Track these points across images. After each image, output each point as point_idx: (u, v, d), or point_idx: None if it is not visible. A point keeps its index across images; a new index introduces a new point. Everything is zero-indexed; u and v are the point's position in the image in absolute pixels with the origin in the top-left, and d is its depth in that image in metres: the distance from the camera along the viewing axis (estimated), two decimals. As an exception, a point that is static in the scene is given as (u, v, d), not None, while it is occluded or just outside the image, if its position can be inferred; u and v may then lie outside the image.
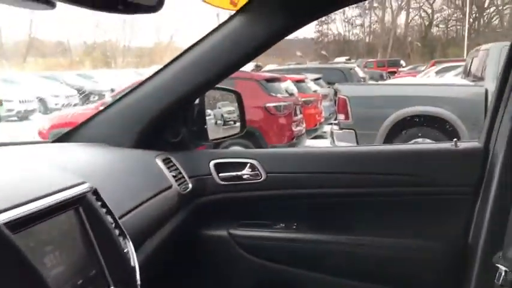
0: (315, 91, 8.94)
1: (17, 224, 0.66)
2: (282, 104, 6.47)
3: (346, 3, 1.43)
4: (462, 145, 1.42)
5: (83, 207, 0.80)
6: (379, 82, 12.76)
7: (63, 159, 1.12)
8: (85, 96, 15.88)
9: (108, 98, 7.63)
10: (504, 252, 1.25)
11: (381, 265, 1.40)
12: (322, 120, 8.59)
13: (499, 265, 1.23)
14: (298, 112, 6.91)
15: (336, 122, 6.60)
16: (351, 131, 6.10)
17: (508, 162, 1.30)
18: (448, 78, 10.82)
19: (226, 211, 1.51)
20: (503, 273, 1.22)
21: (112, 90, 14.87)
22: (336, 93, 6.85)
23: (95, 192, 0.85)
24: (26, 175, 0.84)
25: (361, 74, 13.79)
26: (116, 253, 0.82)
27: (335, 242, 1.44)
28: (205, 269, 1.48)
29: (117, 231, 0.85)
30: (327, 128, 8.11)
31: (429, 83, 7.74)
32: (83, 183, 0.84)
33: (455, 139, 1.42)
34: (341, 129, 6.29)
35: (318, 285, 1.43)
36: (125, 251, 0.83)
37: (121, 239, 0.85)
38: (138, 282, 0.84)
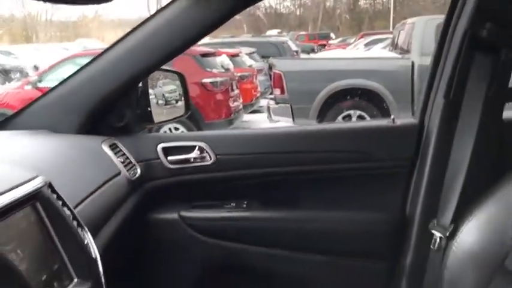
0: (250, 65, 8.95)
1: None
2: (218, 79, 6.43)
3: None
4: (399, 122, 1.51)
5: (40, 202, 0.78)
6: (312, 56, 13.00)
7: (7, 150, 1.07)
8: (5, 74, 14.84)
9: (34, 77, 7.18)
10: (438, 220, 1.37)
11: (327, 238, 1.48)
12: (258, 95, 8.66)
13: (434, 231, 1.35)
14: (234, 87, 6.91)
15: (272, 96, 6.70)
16: (287, 105, 6.23)
17: (441, 138, 1.40)
18: (377, 51, 11.25)
19: (177, 194, 1.52)
20: (438, 239, 1.34)
21: (36, 68, 13.99)
22: (270, 68, 6.92)
23: (50, 185, 0.83)
24: None
25: (294, 47, 13.95)
26: (77, 245, 0.81)
27: (283, 219, 1.49)
28: (159, 253, 1.49)
29: (75, 223, 0.84)
30: (263, 103, 8.19)
31: (359, 56, 7.99)
32: (36, 177, 0.81)
33: (392, 116, 1.50)
34: (277, 103, 6.40)
35: (269, 259, 1.48)
36: (85, 242, 0.83)
37: (79, 230, 0.84)
38: (101, 273, 0.84)
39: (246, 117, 7.70)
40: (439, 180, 1.39)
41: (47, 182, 0.82)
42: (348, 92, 6.20)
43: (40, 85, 6.45)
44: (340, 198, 1.51)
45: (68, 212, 0.84)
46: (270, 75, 7.18)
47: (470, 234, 1.21)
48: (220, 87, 6.42)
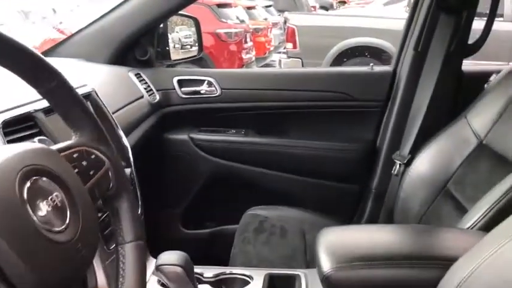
0: (265, 19, 9.05)
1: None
2: (232, 30, 6.61)
3: None
4: (376, 69, 1.78)
5: (91, 102, 1.08)
6: (328, 12, 12.94)
7: None
8: (25, 16, 14.98)
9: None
10: (400, 151, 1.67)
11: (310, 162, 1.79)
12: (272, 48, 8.78)
13: (395, 160, 1.65)
14: (248, 40, 7.08)
15: (285, 50, 6.87)
16: (298, 59, 6.39)
17: (409, 83, 1.68)
18: (394, 10, 11.19)
19: (187, 120, 1.83)
20: (397, 166, 1.64)
21: (54, 11, 14.09)
22: (285, 22, 7.05)
23: (95, 92, 1.13)
24: None
25: (312, 2, 13.86)
26: (117, 137, 1.12)
27: (274, 144, 1.80)
28: (169, 167, 1.81)
29: (114, 122, 1.15)
30: (276, 57, 8.34)
31: (372, 15, 8.04)
32: (85, 84, 1.12)
33: (371, 64, 1.78)
34: (289, 57, 6.57)
35: (260, 177, 1.80)
36: (121, 135, 1.14)
37: (116, 128, 1.16)
38: (131, 158, 1.15)
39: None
40: (403, 119, 1.68)
41: (94, 89, 1.12)
42: (359, 49, 6.32)
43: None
44: (322, 130, 1.81)
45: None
46: (285, 30, 7.31)
47: (423, 162, 1.52)
48: (234, 38, 6.60)
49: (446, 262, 0.75)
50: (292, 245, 1.44)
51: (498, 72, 1.51)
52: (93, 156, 0.67)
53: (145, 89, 1.64)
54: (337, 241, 0.99)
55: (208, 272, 1.13)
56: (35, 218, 0.50)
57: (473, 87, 1.55)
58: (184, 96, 1.78)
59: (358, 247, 0.96)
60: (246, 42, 6.94)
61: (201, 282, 1.12)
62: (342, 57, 6.29)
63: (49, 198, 0.53)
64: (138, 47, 1.72)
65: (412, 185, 1.54)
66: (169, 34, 1.93)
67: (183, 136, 1.79)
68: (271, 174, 1.80)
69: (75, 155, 0.64)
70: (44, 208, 0.52)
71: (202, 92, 1.79)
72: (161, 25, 1.79)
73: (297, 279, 1.09)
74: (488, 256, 0.66)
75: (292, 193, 1.80)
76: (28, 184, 0.51)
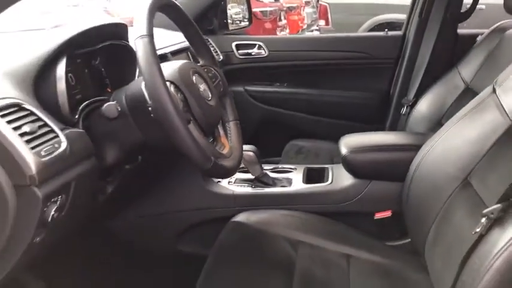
0: (298, -2, 9.40)
1: None
2: (268, 9, 7.06)
3: None
4: (390, 33, 2.28)
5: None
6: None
7: None
8: None
9: None
10: (407, 96, 2.17)
11: (338, 107, 2.31)
12: (305, 26, 9.13)
13: (403, 103, 2.15)
14: (282, 18, 7.51)
15: (317, 28, 7.27)
16: (331, 36, 6.77)
17: (414, 44, 2.17)
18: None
19: (243, 75, 2.37)
20: (405, 108, 2.14)
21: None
22: (318, 0, 7.44)
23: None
24: None
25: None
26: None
27: (311, 94, 2.34)
28: None
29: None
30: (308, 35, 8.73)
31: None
32: (184, 41, 1.67)
33: (386, 29, 2.28)
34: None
35: (297, 119, 2.34)
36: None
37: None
38: None
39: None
40: (410, 72, 2.18)
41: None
42: (390, 25, 6.65)
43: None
44: (348, 83, 2.33)
45: None
46: (317, 7, 7.68)
47: (424, 103, 2.02)
48: (269, 16, 7.04)
49: (418, 147, 1.27)
50: (323, 161, 1.97)
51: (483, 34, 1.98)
52: (213, 72, 1.22)
53: (213, 49, 2.19)
54: (352, 138, 1.52)
55: (267, 166, 1.65)
56: (200, 88, 1.06)
57: (465, 46, 2.02)
58: (240, 57, 2.32)
59: (366, 140, 1.49)
60: (280, 20, 7.35)
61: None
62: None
63: (204, 84, 1.09)
64: (205, 19, 2.26)
65: (415, 121, 2.04)
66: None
67: (240, 88, 2.34)
68: (307, 118, 2.34)
69: (205, 69, 1.19)
70: (202, 87, 1.07)
71: (253, 54, 2.33)
72: (222, 2, 2.33)
73: (325, 170, 1.61)
74: (437, 140, 1.19)
75: (323, 132, 2.32)
76: (195, 75, 1.07)
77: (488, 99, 1.17)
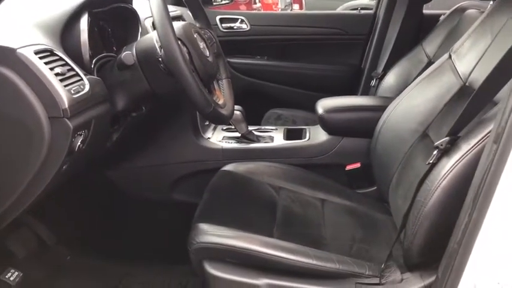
0: (273, -19, 9.53)
1: None
2: (243, -8, 7.19)
3: None
4: (362, 12, 2.48)
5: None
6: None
7: None
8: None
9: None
10: (376, 70, 2.37)
11: (315, 79, 2.50)
12: (279, 10, 9.32)
13: (373, 76, 2.35)
14: (257, 1, 7.64)
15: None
16: (304, 19, 6.97)
17: (384, 22, 2.37)
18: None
19: (226, 47, 2.51)
20: (374, 80, 2.34)
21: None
22: (292, -16, 7.61)
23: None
24: None
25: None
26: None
27: (288, 67, 2.52)
28: None
29: None
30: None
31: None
32: (177, 10, 1.81)
33: (359, 8, 2.47)
34: (295, 17, 7.15)
35: (277, 90, 2.52)
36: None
37: None
38: None
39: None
40: (380, 47, 2.38)
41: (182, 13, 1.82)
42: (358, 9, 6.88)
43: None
44: (323, 56, 2.52)
45: None
46: (292, -8, 7.85)
47: (391, 76, 2.22)
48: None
49: (385, 107, 1.46)
50: (299, 125, 2.16)
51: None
52: (208, 34, 1.38)
53: (197, 24, 2.33)
54: (328, 100, 1.71)
55: (251, 126, 1.82)
56: (200, 45, 1.22)
57: (429, 25, 2.23)
58: (223, 30, 2.48)
59: (340, 102, 1.69)
60: (255, 3, 7.47)
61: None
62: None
63: (203, 42, 1.25)
64: None
65: (383, 92, 2.25)
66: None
67: None
68: (285, 89, 2.52)
69: (202, 31, 1.35)
70: (201, 45, 1.24)
71: (235, 27, 2.48)
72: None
73: (303, 130, 1.80)
74: (401, 100, 1.38)
75: (300, 102, 2.51)
76: (196, 33, 1.23)
77: (444, 64, 1.37)
